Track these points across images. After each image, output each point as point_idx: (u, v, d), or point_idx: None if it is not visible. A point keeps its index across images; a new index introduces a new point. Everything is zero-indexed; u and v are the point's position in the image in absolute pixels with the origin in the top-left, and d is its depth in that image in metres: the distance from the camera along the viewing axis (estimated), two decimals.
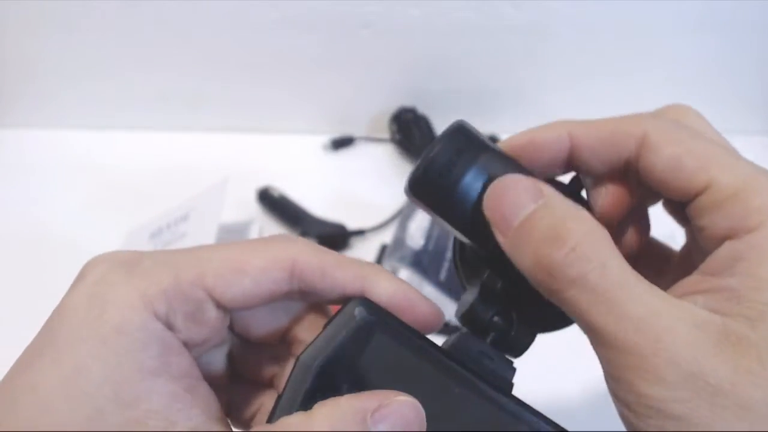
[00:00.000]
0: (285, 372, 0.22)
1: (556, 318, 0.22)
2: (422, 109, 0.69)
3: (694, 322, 0.16)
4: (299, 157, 0.69)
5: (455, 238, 0.23)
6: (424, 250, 0.53)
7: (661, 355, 0.16)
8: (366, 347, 0.19)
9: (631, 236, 0.23)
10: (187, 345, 0.19)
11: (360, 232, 0.59)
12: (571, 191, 0.23)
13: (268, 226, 0.61)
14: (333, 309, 0.22)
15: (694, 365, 0.16)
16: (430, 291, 0.51)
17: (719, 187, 0.18)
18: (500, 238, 0.19)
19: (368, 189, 0.64)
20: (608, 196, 0.22)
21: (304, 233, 0.58)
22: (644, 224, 0.23)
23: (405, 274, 0.52)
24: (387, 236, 0.59)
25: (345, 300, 0.21)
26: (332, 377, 0.19)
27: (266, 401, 0.23)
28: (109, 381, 0.17)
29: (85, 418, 0.16)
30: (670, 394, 0.16)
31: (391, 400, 0.18)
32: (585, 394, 0.45)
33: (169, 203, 0.59)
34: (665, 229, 0.25)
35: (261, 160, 0.68)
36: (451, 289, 0.52)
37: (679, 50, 0.67)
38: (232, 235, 0.57)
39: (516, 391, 0.21)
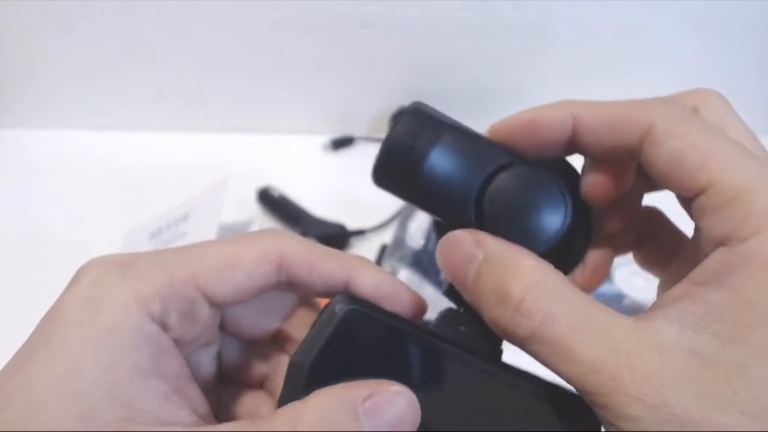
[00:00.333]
0: (276, 372, 0.23)
1: None
2: None
3: (659, 347, 0.16)
4: (299, 157, 0.69)
5: (432, 220, 0.23)
6: (424, 250, 0.53)
7: (623, 392, 0.16)
8: (352, 340, 0.19)
9: (613, 220, 0.22)
10: (178, 343, 0.19)
11: (360, 232, 0.59)
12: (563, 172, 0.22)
13: (268, 226, 0.61)
14: (321, 304, 0.22)
15: (657, 398, 0.15)
16: (430, 291, 0.51)
17: (720, 188, 0.17)
18: (462, 294, 0.20)
19: (368, 189, 0.63)
20: (596, 181, 0.21)
21: (304, 233, 0.58)
22: (631, 209, 0.23)
23: (405, 274, 0.52)
24: (387, 236, 0.59)
25: (331, 293, 0.21)
26: (325, 374, 0.19)
27: (258, 403, 0.23)
28: (102, 380, 0.17)
29: (77, 417, 0.16)
30: (639, 428, 0.15)
31: (383, 389, 0.18)
32: None
33: (169, 203, 0.59)
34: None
35: (261, 160, 0.68)
36: None
37: (679, 50, 0.67)
38: (232, 235, 0.57)
39: None
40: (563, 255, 0.20)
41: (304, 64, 0.68)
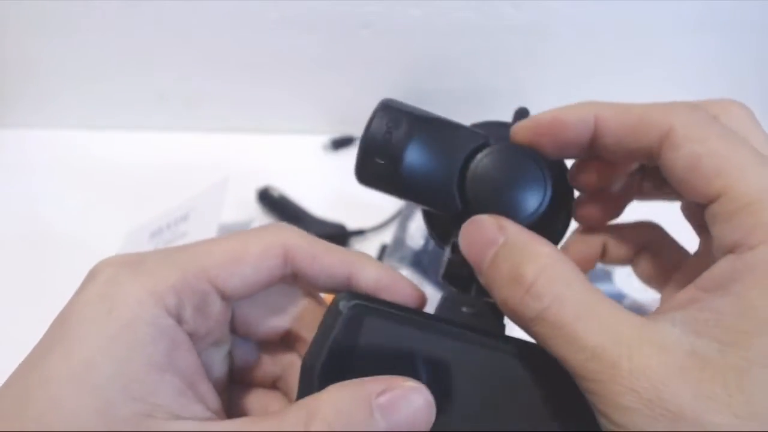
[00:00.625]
0: (288, 373, 0.23)
1: None
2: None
3: (660, 345, 0.16)
4: (299, 157, 0.69)
5: (424, 214, 0.24)
6: (424, 250, 0.53)
7: (619, 382, 0.16)
8: (360, 335, 0.20)
9: (590, 209, 0.24)
10: (192, 338, 0.19)
11: (360, 232, 0.59)
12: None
13: None
14: (328, 301, 0.22)
15: (652, 392, 0.16)
16: (430, 291, 0.51)
17: (734, 195, 0.17)
18: (479, 277, 0.20)
19: (368, 189, 0.64)
20: (587, 177, 0.23)
21: None
22: (612, 205, 0.24)
23: (405, 274, 0.52)
24: (387, 236, 0.59)
25: (334, 287, 0.22)
26: (338, 372, 0.19)
27: (269, 402, 0.23)
28: (118, 375, 0.17)
29: (94, 411, 0.16)
30: (631, 420, 0.16)
31: (397, 385, 0.18)
32: None
33: (169, 203, 0.59)
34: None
35: (261, 160, 0.68)
36: None
37: (679, 50, 0.67)
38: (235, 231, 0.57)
39: None
40: (543, 232, 0.20)
41: (304, 64, 0.67)
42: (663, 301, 0.24)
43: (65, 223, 0.61)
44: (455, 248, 0.22)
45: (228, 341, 0.22)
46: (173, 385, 0.18)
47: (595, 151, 0.21)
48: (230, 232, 0.21)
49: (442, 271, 0.23)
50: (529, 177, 0.21)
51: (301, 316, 0.23)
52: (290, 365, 0.23)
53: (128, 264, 0.19)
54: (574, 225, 0.25)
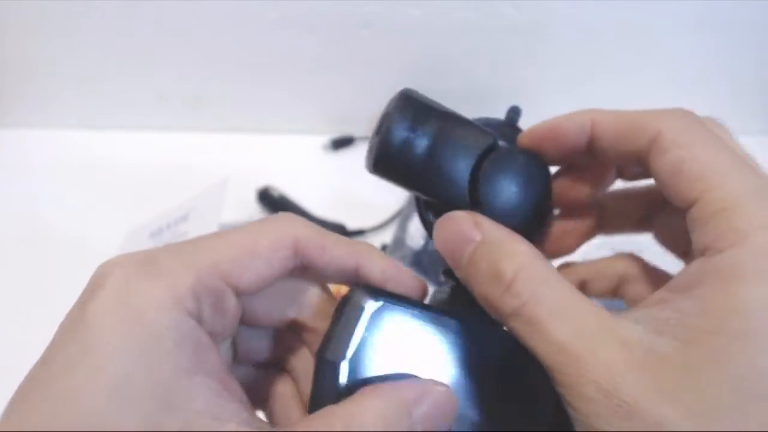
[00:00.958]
0: (291, 356, 0.23)
1: None
2: None
3: (622, 344, 0.17)
4: (299, 157, 0.69)
5: (417, 198, 0.24)
6: (424, 250, 0.53)
7: (583, 374, 0.17)
8: (379, 330, 0.20)
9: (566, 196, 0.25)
10: (210, 336, 0.19)
11: (360, 232, 0.59)
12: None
13: None
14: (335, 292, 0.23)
15: (610, 384, 0.16)
16: (430, 290, 0.51)
17: (710, 200, 0.18)
18: (455, 272, 0.21)
19: (368, 189, 0.64)
20: (562, 188, 0.24)
21: None
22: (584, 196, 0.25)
23: None
24: (387, 236, 0.59)
25: (345, 281, 0.22)
26: (359, 369, 0.19)
27: (275, 384, 0.23)
28: (154, 386, 0.17)
29: (137, 425, 0.16)
30: (591, 409, 0.17)
31: (430, 389, 0.19)
32: None
33: (169, 203, 0.59)
34: None
35: (261, 160, 0.68)
36: None
37: (679, 50, 0.67)
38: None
39: None
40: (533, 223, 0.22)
41: (304, 64, 0.67)
42: None
43: (65, 223, 0.61)
44: None
45: (235, 332, 0.22)
46: (207, 387, 0.18)
47: (592, 155, 0.22)
48: (238, 226, 0.21)
49: (442, 268, 0.23)
50: (535, 181, 0.23)
51: (308, 306, 0.23)
52: (293, 349, 0.23)
53: (141, 265, 0.18)
54: None
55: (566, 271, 0.27)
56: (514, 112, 0.24)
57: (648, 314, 0.18)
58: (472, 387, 0.21)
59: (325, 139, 0.70)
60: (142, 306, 0.17)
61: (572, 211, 0.26)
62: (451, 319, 0.21)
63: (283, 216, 0.21)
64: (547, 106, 0.73)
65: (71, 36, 0.66)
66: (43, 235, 0.60)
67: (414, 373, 0.20)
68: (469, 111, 0.27)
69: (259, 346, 0.23)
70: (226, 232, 0.21)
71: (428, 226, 0.24)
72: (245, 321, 0.22)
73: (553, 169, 0.25)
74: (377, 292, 0.21)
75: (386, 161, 0.21)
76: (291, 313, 0.23)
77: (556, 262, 0.27)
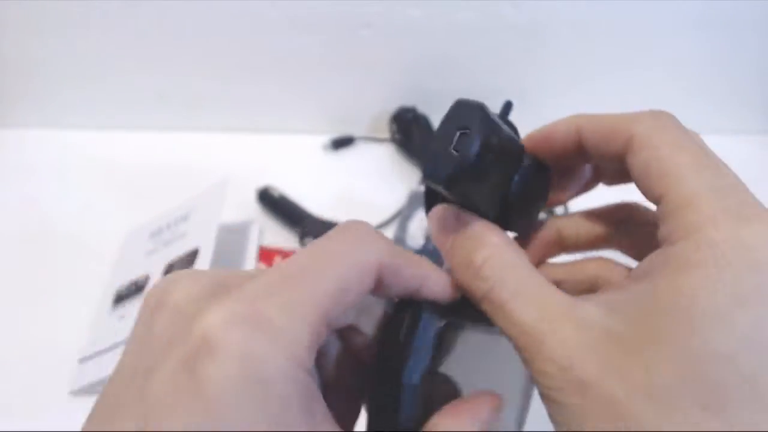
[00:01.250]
0: (329, 354, 0.24)
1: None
2: (422, 108, 0.69)
3: (578, 324, 0.19)
4: (299, 157, 0.69)
5: (427, 193, 0.25)
6: (424, 249, 0.53)
7: (543, 353, 0.19)
8: (442, 346, 0.22)
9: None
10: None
11: None
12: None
13: (268, 226, 0.61)
14: None
15: (566, 361, 0.18)
16: None
17: (671, 198, 0.19)
18: (444, 260, 0.22)
19: (368, 189, 0.64)
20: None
21: (304, 233, 0.58)
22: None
23: None
24: (387, 236, 0.58)
25: (401, 296, 0.22)
26: (428, 385, 0.21)
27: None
28: None
29: None
30: (551, 383, 0.18)
31: (492, 401, 0.21)
32: None
33: (169, 203, 0.59)
34: None
35: (261, 160, 0.68)
36: None
37: (679, 50, 0.67)
38: (232, 235, 0.57)
39: None
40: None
41: (304, 64, 0.67)
42: None
43: (65, 223, 0.61)
44: None
45: None
46: None
47: (582, 158, 0.24)
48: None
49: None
50: (545, 192, 0.25)
51: (363, 313, 0.24)
52: (332, 347, 0.24)
53: (257, 325, 0.17)
54: None
55: (541, 270, 0.28)
56: (508, 107, 0.24)
57: (606, 298, 0.19)
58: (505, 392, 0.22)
59: (325, 139, 0.70)
60: (268, 376, 0.16)
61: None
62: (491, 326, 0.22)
63: (365, 234, 0.21)
64: (547, 106, 0.73)
65: (71, 36, 0.66)
66: (44, 235, 0.60)
67: (475, 386, 0.22)
68: None
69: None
70: (313, 261, 0.19)
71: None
72: None
73: None
74: (441, 310, 0.22)
75: (461, 180, 0.21)
76: (348, 320, 0.23)
77: None
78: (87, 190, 0.66)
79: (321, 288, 0.18)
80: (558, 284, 0.27)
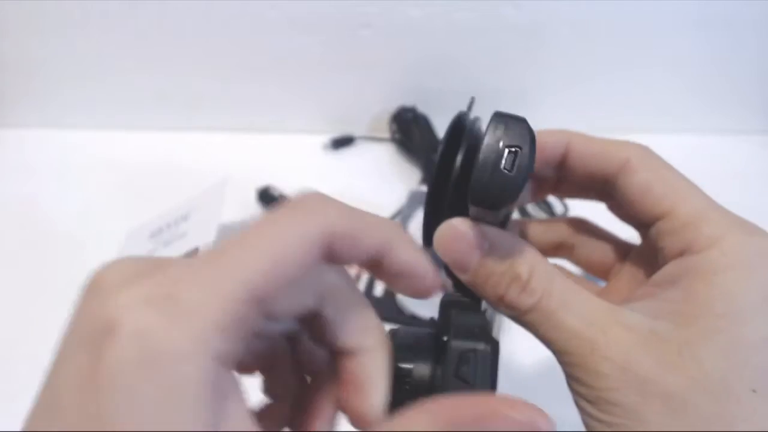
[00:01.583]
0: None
1: None
2: (422, 108, 0.69)
3: (625, 326, 0.20)
4: (299, 157, 0.69)
5: (429, 197, 0.24)
6: (425, 249, 0.53)
7: (597, 353, 0.20)
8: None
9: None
10: (241, 364, 0.19)
11: None
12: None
13: None
14: None
15: (624, 359, 0.19)
16: None
17: (678, 215, 0.22)
18: (459, 276, 0.22)
19: (368, 189, 0.64)
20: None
21: None
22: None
23: None
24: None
25: (365, 265, 0.21)
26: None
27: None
28: None
29: None
30: (607, 384, 0.19)
31: (498, 412, 0.18)
32: None
33: (169, 203, 0.59)
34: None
35: (261, 160, 0.68)
36: None
37: (679, 50, 0.67)
38: (232, 235, 0.57)
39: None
40: None
41: (304, 64, 0.68)
42: (610, 289, 0.28)
43: (65, 223, 0.61)
44: None
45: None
46: None
47: (561, 171, 0.26)
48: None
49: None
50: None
51: (326, 295, 0.20)
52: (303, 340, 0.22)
53: (161, 303, 0.16)
54: None
55: (514, 223, 0.30)
56: (471, 102, 0.25)
57: (642, 305, 0.21)
58: None
59: (325, 139, 0.70)
60: (164, 358, 0.15)
61: None
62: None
63: (312, 202, 0.19)
64: (547, 106, 0.73)
65: (71, 36, 0.66)
66: (44, 235, 0.60)
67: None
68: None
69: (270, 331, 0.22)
70: (247, 237, 0.18)
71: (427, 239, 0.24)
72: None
73: None
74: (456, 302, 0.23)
75: (514, 198, 0.20)
76: (308, 304, 0.20)
77: None
78: (87, 190, 0.66)
79: (249, 264, 0.17)
80: (527, 239, 0.29)
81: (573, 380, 0.21)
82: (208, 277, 0.16)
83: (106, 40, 0.66)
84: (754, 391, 0.19)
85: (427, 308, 0.48)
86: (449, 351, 0.20)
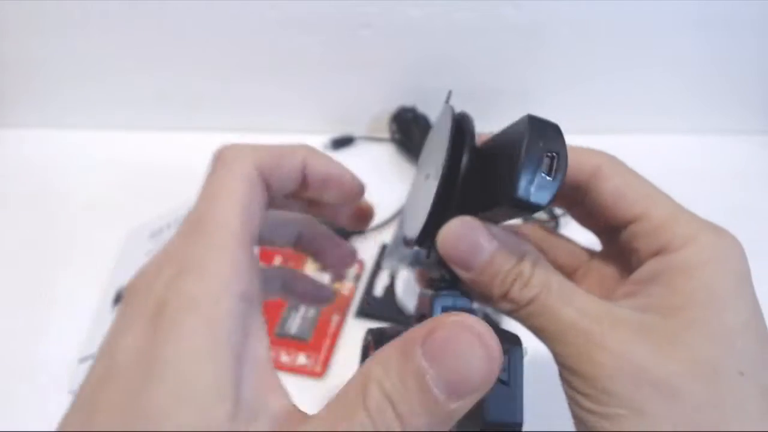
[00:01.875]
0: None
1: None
2: (422, 108, 0.69)
3: (618, 318, 0.21)
4: None
5: (437, 197, 0.24)
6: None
7: (592, 343, 0.21)
8: None
9: None
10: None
11: (360, 232, 0.59)
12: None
13: None
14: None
15: (620, 347, 0.20)
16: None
17: (651, 217, 0.23)
18: (461, 274, 0.23)
19: (368, 189, 0.64)
20: None
21: None
22: None
23: (405, 273, 0.52)
24: (387, 236, 0.59)
25: (286, 188, 0.26)
26: None
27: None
28: (215, 383, 0.17)
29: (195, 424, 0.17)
30: (602, 372, 0.20)
31: (440, 324, 0.17)
32: None
33: (169, 203, 0.59)
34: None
35: None
36: None
37: (679, 50, 0.67)
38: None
39: None
40: None
41: (304, 64, 0.68)
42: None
43: (65, 223, 0.61)
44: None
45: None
46: (252, 378, 0.18)
47: None
48: (205, 190, 0.23)
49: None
50: None
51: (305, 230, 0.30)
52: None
53: (194, 273, 0.19)
54: None
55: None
56: (448, 97, 0.26)
57: (626, 302, 0.23)
58: None
59: (325, 139, 0.70)
60: (202, 302, 0.18)
61: None
62: None
63: (234, 151, 0.25)
64: (547, 106, 0.73)
65: (71, 36, 0.66)
66: (43, 235, 0.60)
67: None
68: (470, 111, 0.27)
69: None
70: (207, 200, 0.23)
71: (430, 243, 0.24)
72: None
73: None
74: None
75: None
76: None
77: None
78: (87, 190, 0.66)
79: (228, 222, 0.21)
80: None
81: (567, 372, 0.21)
82: (208, 245, 0.20)
83: (106, 40, 0.66)
84: (741, 373, 0.20)
85: None
86: None
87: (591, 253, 0.29)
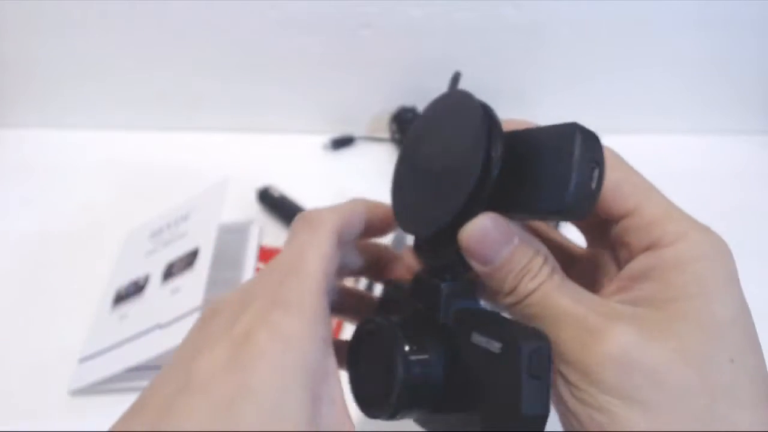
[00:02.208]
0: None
1: None
2: (422, 108, 0.68)
3: (612, 309, 0.22)
4: (299, 157, 0.69)
5: (470, 195, 0.24)
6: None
7: (585, 328, 0.22)
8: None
9: None
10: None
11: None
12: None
13: (268, 226, 0.61)
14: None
15: (610, 337, 0.21)
16: None
17: (643, 213, 0.24)
18: (477, 267, 0.24)
19: (368, 189, 0.63)
20: None
21: None
22: None
23: None
24: (386, 236, 0.58)
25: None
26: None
27: None
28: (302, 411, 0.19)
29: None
30: (593, 359, 0.21)
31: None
32: None
33: (169, 203, 0.59)
34: None
35: (261, 160, 0.68)
36: None
37: (679, 50, 0.67)
38: (232, 235, 0.57)
39: None
40: None
41: (304, 64, 0.68)
42: None
43: (65, 223, 0.61)
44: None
45: None
46: (330, 415, 0.21)
47: None
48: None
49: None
50: None
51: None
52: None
53: (278, 313, 0.21)
54: None
55: None
56: (456, 79, 0.26)
57: (620, 296, 0.23)
58: None
59: (325, 139, 0.70)
60: (290, 337, 0.20)
61: None
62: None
63: (316, 216, 0.27)
64: (547, 106, 0.73)
65: (71, 36, 0.66)
66: (44, 235, 0.60)
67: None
68: None
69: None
70: (296, 256, 0.25)
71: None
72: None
73: None
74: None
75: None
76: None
77: None
78: (87, 190, 0.66)
79: (315, 271, 0.23)
80: None
81: (562, 363, 0.22)
82: (293, 289, 0.22)
83: (106, 40, 0.66)
84: (732, 360, 0.20)
85: None
86: (519, 353, 0.21)
87: (579, 250, 0.30)
